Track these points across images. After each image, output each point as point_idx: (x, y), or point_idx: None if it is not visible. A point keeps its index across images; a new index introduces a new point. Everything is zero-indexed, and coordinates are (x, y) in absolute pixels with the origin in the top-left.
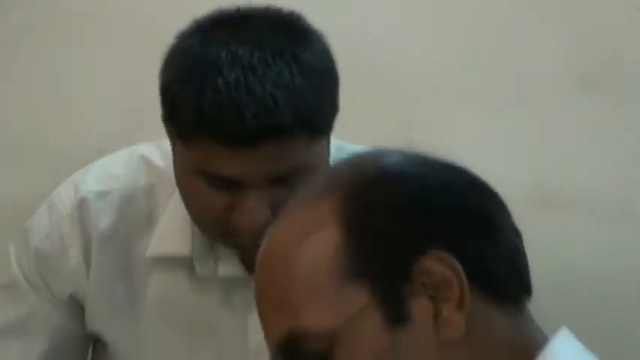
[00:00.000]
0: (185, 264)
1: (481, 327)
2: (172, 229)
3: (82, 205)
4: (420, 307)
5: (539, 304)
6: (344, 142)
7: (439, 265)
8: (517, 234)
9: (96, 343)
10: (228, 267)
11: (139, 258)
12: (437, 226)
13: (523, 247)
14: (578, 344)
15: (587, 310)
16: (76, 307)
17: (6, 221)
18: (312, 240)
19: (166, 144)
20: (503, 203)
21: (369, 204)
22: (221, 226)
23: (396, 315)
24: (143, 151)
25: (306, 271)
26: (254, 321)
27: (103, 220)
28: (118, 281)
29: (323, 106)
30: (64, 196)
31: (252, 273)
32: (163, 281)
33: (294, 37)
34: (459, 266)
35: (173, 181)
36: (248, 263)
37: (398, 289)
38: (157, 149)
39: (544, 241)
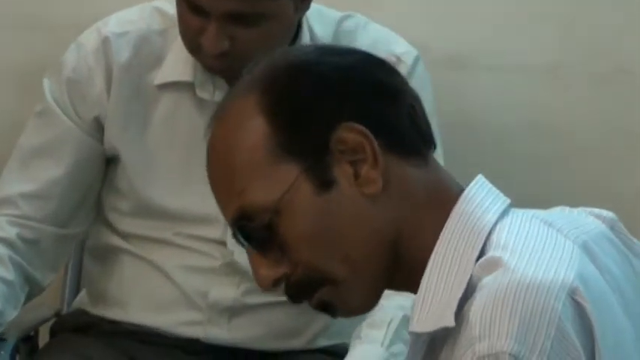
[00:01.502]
0: (188, 89)
1: (395, 179)
2: (178, 61)
3: (105, 42)
4: (342, 172)
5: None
6: (323, 8)
7: (351, 134)
8: (415, 98)
9: (110, 162)
10: (224, 93)
11: (150, 86)
12: (343, 101)
13: (422, 107)
14: (492, 188)
15: (497, 152)
16: (99, 129)
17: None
18: (243, 132)
19: None
20: (399, 74)
21: (282, 94)
22: (194, 44)
23: (324, 182)
24: (156, 4)
25: (243, 158)
26: None
27: (122, 55)
28: (132, 103)
29: None
30: (89, 37)
31: None
32: (170, 103)
33: None
34: (367, 131)
35: None
36: None
37: (321, 160)
38: (169, 2)
39: (460, 97)
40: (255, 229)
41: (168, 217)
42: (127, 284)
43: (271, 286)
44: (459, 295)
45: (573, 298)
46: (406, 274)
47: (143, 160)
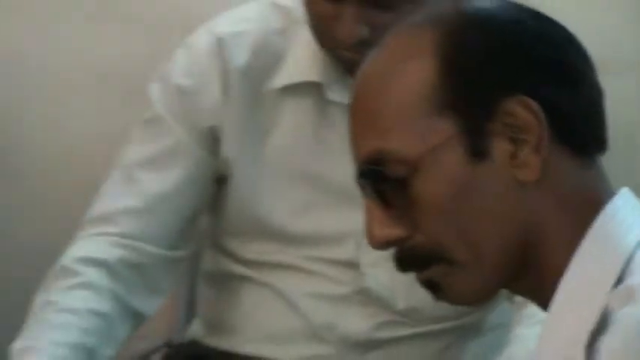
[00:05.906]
0: (314, 92)
1: (554, 174)
2: (302, 60)
3: (219, 43)
4: (500, 146)
5: None
6: None
7: (523, 109)
8: (599, 92)
9: (219, 182)
10: None
11: (270, 92)
12: (528, 72)
13: (603, 104)
14: (637, 204)
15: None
16: (214, 141)
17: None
18: (408, 67)
19: None
20: (590, 61)
21: (466, 41)
22: (327, 35)
23: (478, 150)
24: None
25: (399, 95)
26: None
27: (239, 57)
28: (251, 112)
29: None
30: (200, 38)
31: None
32: (293, 109)
33: None
34: (541, 112)
35: (302, 18)
36: None
37: (482, 125)
38: None
39: None
40: (385, 179)
41: (294, 239)
42: (245, 312)
43: (383, 246)
44: (590, 327)
45: None
46: (531, 281)
47: (262, 176)
